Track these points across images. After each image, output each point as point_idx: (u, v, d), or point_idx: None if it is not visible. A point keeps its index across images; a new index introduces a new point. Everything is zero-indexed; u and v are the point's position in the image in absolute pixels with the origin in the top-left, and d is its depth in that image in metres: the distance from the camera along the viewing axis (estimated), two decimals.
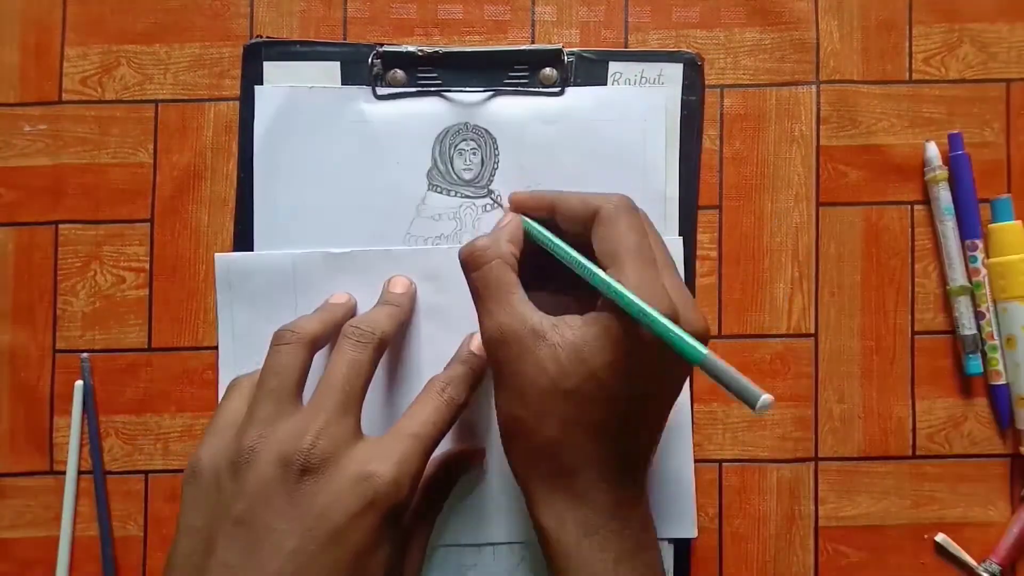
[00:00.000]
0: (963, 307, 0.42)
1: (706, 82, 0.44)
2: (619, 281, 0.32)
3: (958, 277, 0.42)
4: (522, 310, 0.33)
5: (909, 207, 0.44)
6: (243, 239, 0.43)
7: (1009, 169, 0.43)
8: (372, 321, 0.37)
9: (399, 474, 0.32)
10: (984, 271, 0.42)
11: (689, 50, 0.43)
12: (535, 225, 0.37)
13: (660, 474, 0.42)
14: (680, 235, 0.43)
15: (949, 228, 0.42)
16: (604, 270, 0.33)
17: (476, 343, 0.39)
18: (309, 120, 0.43)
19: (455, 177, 0.43)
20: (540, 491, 0.34)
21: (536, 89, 0.43)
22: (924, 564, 0.42)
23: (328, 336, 0.38)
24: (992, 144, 0.44)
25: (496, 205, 0.42)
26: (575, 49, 0.43)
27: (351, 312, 0.41)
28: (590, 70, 0.43)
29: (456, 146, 0.43)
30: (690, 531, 0.42)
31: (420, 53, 0.43)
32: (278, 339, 0.36)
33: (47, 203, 0.43)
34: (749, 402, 0.29)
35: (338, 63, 0.43)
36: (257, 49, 0.43)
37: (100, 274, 0.43)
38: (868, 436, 0.43)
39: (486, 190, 0.43)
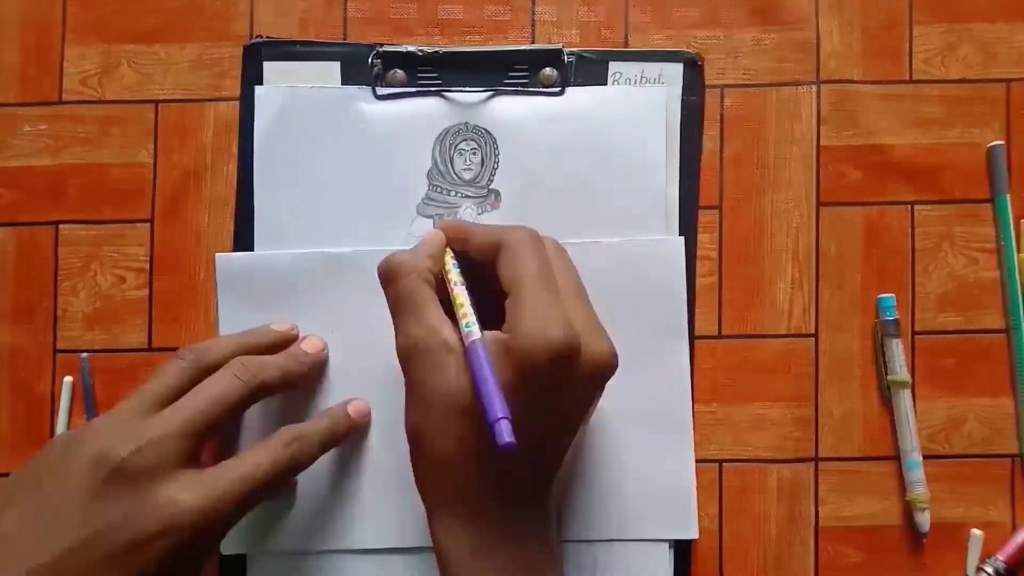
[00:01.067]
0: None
1: (706, 82, 0.44)
2: (515, 307, 0.32)
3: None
4: (434, 323, 0.33)
5: (909, 207, 0.44)
6: (243, 239, 0.43)
7: (1009, 169, 0.43)
8: (259, 364, 0.37)
9: (207, 509, 0.32)
10: None
11: (689, 50, 0.43)
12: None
13: (660, 475, 0.41)
14: (680, 235, 0.43)
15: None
16: (506, 298, 0.33)
17: (355, 407, 0.40)
18: (309, 120, 0.43)
19: (455, 177, 0.43)
20: (437, 507, 0.34)
21: (536, 89, 0.43)
22: (924, 564, 0.42)
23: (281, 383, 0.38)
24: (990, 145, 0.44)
25: (495, 207, 0.42)
26: (575, 49, 0.43)
27: (285, 345, 0.40)
28: (590, 70, 0.43)
29: (456, 146, 0.43)
30: (691, 532, 0.41)
31: (420, 53, 0.43)
32: (179, 354, 0.36)
33: (47, 203, 0.43)
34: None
35: (338, 63, 0.43)
36: (257, 49, 0.43)
37: (100, 274, 0.43)
38: (868, 436, 0.43)
39: (486, 190, 0.43)
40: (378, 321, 0.40)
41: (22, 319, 0.43)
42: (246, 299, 0.42)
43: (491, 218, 0.43)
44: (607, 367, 0.33)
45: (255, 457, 0.35)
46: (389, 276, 0.35)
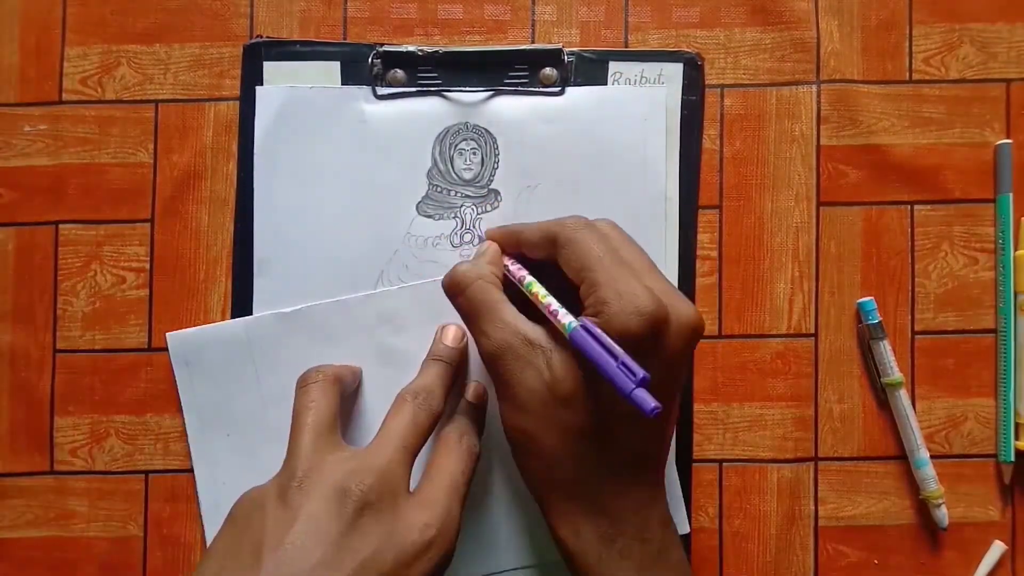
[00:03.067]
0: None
1: (706, 82, 0.44)
2: (593, 292, 0.32)
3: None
4: (512, 322, 0.34)
5: (909, 207, 0.44)
6: (243, 239, 0.43)
7: (1010, 169, 0.43)
8: (428, 388, 0.36)
9: (445, 525, 0.32)
10: None
11: (689, 50, 0.43)
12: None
13: None
14: (680, 235, 0.43)
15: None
16: (579, 287, 0.33)
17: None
18: (309, 120, 0.43)
19: (455, 177, 0.43)
20: (554, 502, 0.34)
21: (536, 89, 0.43)
22: (924, 564, 0.42)
23: (352, 379, 0.38)
24: (992, 144, 0.43)
25: (494, 207, 0.42)
26: (575, 49, 0.43)
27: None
28: (590, 70, 0.43)
29: (456, 146, 0.43)
30: (682, 526, 0.41)
31: (420, 53, 0.43)
32: (304, 380, 0.36)
33: (47, 203, 0.43)
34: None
35: (338, 63, 0.43)
36: (257, 49, 0.43)
37: (100, 274, 0.43)
38: (868, 436, 0.43)
39: (486, 190, 0.43)
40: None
41: (22, 319, 0.43)
42: (204, 373, 0.42)
43: (491, 218, 0.43)
44: (697, 327, 0.33)
45: (449, 464, 0.35)
46: (456, 286, 0.35)
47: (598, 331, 0.31)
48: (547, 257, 0.35)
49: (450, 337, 0.39)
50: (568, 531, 0.33)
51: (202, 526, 0.42)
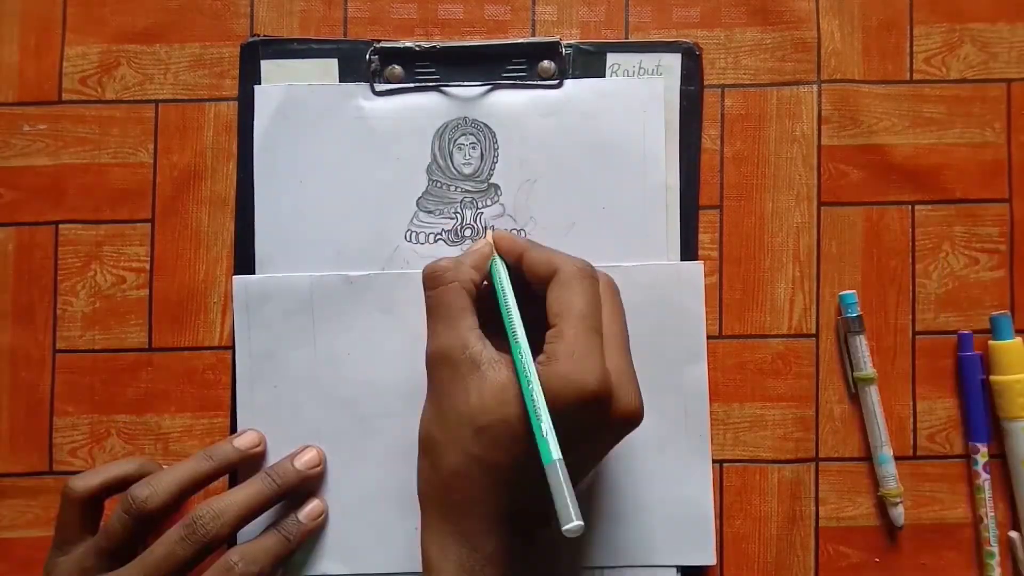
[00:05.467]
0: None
1: (706, 82, 0.44)
2: (555, 341, 0.32)
3: None
4: (466, 335, 0.34)
5: (910, 207, 0.43)
6: (243, 239, 0.43)
7: (1010, 169, 0.43)
8: (217, 519, 0.37)
9: None
10: (985, 475, 0.42)
11: (687, 40, 0.43)
12: (499, 266, 0.36)
13: (678, 500, 0.41)
14: (680, 230, 0.42)
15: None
16: (549, 328, 0.33)
17: (307, 509, 0.40)
18: (308, 118, 0.43)
19: (455, 172, 0.43)
20: (432, 518, 0.34)
21: (534, 82, 0.43)
22: (924, 564, 0.42)
23: (184, 498, 0.38)
24: (993, 144, 0.43)
25: (495, 201, 0.42)
26: (572, 41, 0.43)
27: (213, 464, 0.39)
28: (588, 62, 0.43)
29: (455, 141, 0.43)
30: (708, 558, 0.41)
31: (418, 48, 0.43)
32: (122, 503, 0.37)
33: (47, 203, 0.43)
34: (561, 521, 0.29)
35: (335, 60, 0.43)
36: (254, 48, 0.43)
37: (100, 274, 0.43)
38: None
39: (486, 184, 0.43)
40: (395, 343, 0.41)
41: (22, 319, 0.43)
42: (263, 322, 0.42)
43: (492, 212, 0.43)
44: (632, 421, 0.33)
45: None
46: (430, 281, 0.36)
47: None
48: (538, 283, 0.35)
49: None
50: (436, 548, 0.33)
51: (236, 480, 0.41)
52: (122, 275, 0.43)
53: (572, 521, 0.28)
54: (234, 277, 0.42)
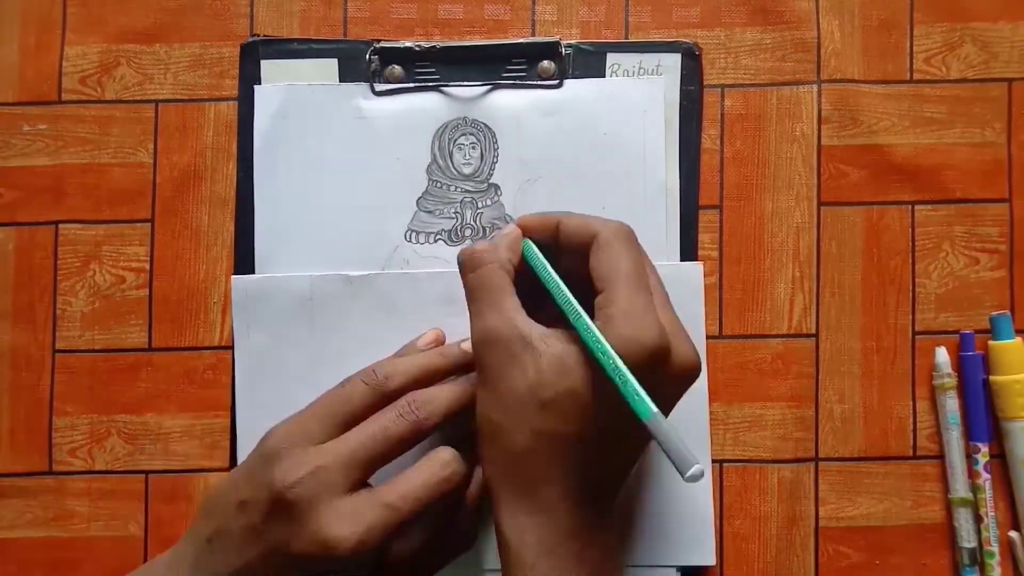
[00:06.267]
0: (963, 519, 0.42)
1: (706, 82, 0.44)
2: (609, 305, 0.32)
3: (960, 488, 0.42)
4: (512, 315, 0.33)
5: (910, 207, 0.43)
6: (243, 239, 0.43)
7: (1010, 169, 0.43)
8: (426, 403, 0.36)
9: (356, 540, 0.33)
10: (986, 475, 0.42)
11: (686, 40, 0.43)
12: (532, 247, 0.36)
13: (676, 500, 0.41)
14: (681, 230, 0.42)
15: (954, 438, 0.42)
16: (597, 294, 0.33)
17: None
18: (308, 118, 0.43)
19: (455, 172, 0.43)
20: (506, 499, 0.34)
21: (534, 82, 0.43)
22: (924, 564, 0.42)
23: (420, 385, 0.37)
24: (993, 144, 0.43)
25: (495, 201, 0.42)
26: (572, 41, 0.43)
27: (447, 360, 0.39)
28: (588, 62, 0.43)
29: (455, 141, 0.43)
30: (708, 558, 0.41)
31: (417, 48, 0.43)
32: (364, 375, 0.36)
33: (47, 203, 0.43)
34: (680, 469, 0.29)
35: (335, 60, 0.43)
36: (254, 48, 0.43)
37: (100, 274, 0.43)
38: (868, 436, 0.43)
39: (486, 184, 0.43)
40: (395, 343, 0.40)
41: (22, 319, 0.43)
42: (262, 322, 0.42)
43: (492, 212, 0.43)
44: (693, 371, 0.33)
45: (407, 485, 0.35)
46: (469, 264, 0.35)
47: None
48: (579, 252, 0.35)
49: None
50: (512, 528, 0.33)
51: None
52: (122, 275, 0.43)
53: (692, 465, 0.28)
54: (233, 277, 0.42)
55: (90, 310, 0.43)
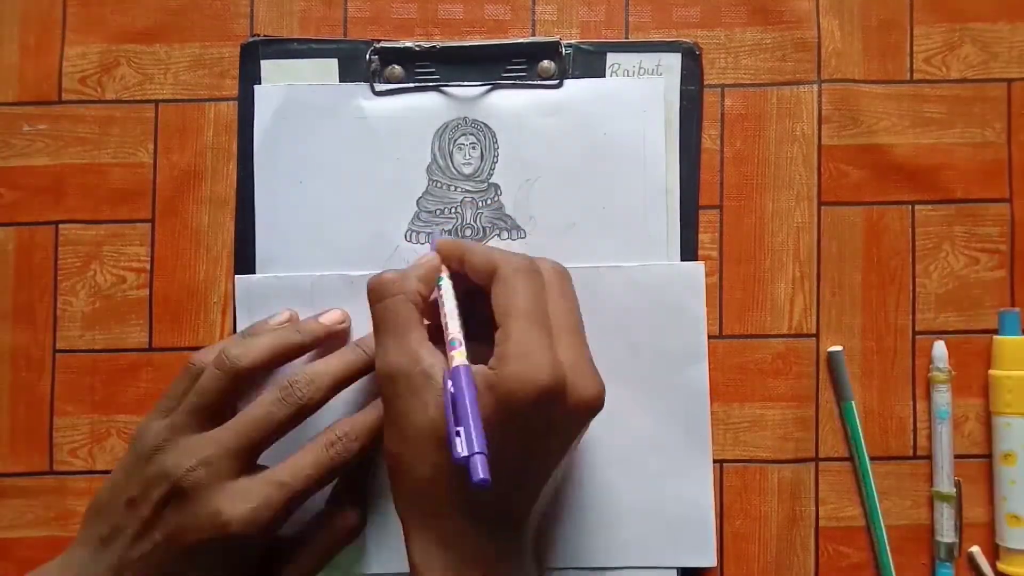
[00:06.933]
0: (944, 514, 0.42)
1: (706, 82, 0.44)
2: (503, 342, 0.32)
3: (943, 483, 0.42)
4: (416, 349, 0.33)
5: (910, 207, 0.43)
6: (243, 239, 0.43)
7: (1010, 169, 0.43)
8: (310, 383, 0.36)
9: (250, 519, 0.34)
10: None
11: (687, 40, 0.43)
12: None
13: (677, 500, 0.41)
14: (681, 230, 0.42)
15: (943, 433, 0.42)
16: (495, 330, 0.33)
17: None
18: (308, 118, 0.43)
19: (455, 172, 0.43)
20: (414, 528, 0.34)
21: (534, 82, 0.43)
22: (924, 564, 0.42)
23: (274, 364, 0.38)
24: (993, 144, 0.43)
25: (495, 201, 0.42)
26: (572, 41, 0.43)
27: (302, 337, 0.39)
28: (588, 62, 0.43)
29: (455, 141, 0.43)
30: (708, 559, 0.41)
31: (418, 48, 0.43)
32: (217, 361, 0.37)
33: (47, 203, 0.43)
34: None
35: (335, 60, 0.43)
36: (254, 47, 0.43)
37: (100, 274, 0.43)
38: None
39: (487, 184, 0.43)
40: None
41: (22, 319, 0.43)
42: None
43: (492, 212, 0.43)
44: (592, 407, 0.33)
45: (297, 463, 0.36)
46: (375, 294, 0.35)
47: (470, 383, 0.31)
48: (485, 285, 0.34)
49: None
50: (420, 556, 0.33)
51: None
52: (122, 275, 0.43)
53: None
54: (236, 276, 0.42)
55: (90, 310, 0.43)
